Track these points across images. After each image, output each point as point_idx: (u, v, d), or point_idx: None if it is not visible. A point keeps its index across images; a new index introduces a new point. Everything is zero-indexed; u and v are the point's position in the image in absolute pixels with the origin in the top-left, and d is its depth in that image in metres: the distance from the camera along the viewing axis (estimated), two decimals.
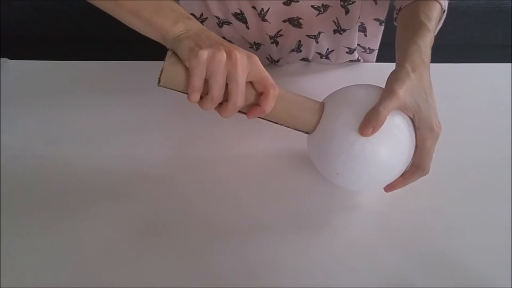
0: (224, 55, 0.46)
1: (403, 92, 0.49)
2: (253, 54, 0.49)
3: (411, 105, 0.50)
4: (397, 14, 0.61)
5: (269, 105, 0.50)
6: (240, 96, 0.48)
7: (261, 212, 0.58)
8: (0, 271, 0.52)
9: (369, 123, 0.48)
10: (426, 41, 0.53)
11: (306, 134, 0.55)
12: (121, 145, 0.65)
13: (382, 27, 0.77)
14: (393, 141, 0.50)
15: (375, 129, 0.48)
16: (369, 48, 0.80)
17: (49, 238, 0.55)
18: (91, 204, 0.58)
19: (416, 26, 0.54)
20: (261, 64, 0.49)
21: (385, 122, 0.49)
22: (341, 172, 0.52)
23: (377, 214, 0.58)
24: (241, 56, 0.47)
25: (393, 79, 0.51)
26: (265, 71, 0.49)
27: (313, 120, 0.52)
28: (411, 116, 0.51)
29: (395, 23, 0.62)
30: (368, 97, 0.50)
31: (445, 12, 0.59)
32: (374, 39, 0.79)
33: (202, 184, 0.61)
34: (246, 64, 0.48)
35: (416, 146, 0.51)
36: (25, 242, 0.55)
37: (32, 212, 0.58)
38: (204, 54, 0.46)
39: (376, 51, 0.82)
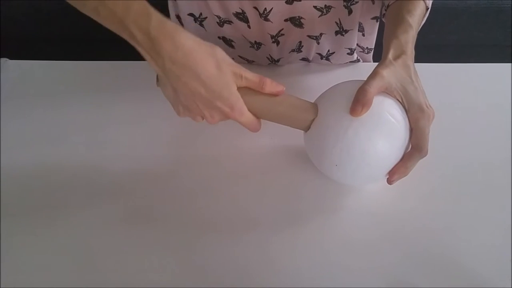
0: (200, 119, 0.53)
1: (386, 73, 0.51)
2: (233, 110, 0.50)
3: (396, 87, 0.51)
4: (385, 11, 0.63)
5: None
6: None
7: (259, 210, 0.58)
8: (0, 271, 0.52)
9: (358, 101, 0.49)
10: (408, 36, 0.55)
11: (304, 132, 0.56)
12: (122, 144, 0.65)
13: (378, 23, 0.77)
14: (385, 126, 0.50)
15: (364, 107, 0.49)
16: (367, 47, 0.81)
17: (49, 238, 0.55)
18: (91, 203, 0.58)
19: (399, 22, 0.57)
20: (241, 117, 0.52)
21: (375, 108, 0.50)
22: (339, 162, 0.52)
23: (377, 214, 0.58)
24: (217, 119, 0.52)
25: (377, 66, 0.53)
26: (245, 122, 0.53)
27: (308, 118, 0.53)
28: (399, 99, 0.52)
29: (383, 20, 0.63)
30: (357, 87, 0.51)
31: (429, 9, 0.60)
32: (370, 37, 0.80)
33: (200, 181, 0.61)
34: (223, 118, 0.53)
35: (411, 129, 0.52)
36: (25, 242, 0.55)
37: (32, 212, 0.58)
38: (184, 115, 0.53)
39: (372, 50, 0.83)
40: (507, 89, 0.72)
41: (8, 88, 0.72)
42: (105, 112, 0.69)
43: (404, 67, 0.53)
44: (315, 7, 0.68)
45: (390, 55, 0.53)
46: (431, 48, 1.31)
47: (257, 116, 0.54)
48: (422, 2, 0.59)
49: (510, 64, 0.76)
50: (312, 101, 0.55)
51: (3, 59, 0.77)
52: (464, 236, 0.56)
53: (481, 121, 0.68)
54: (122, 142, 0.66)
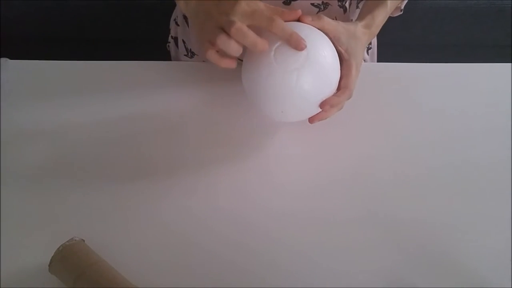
0: (224, 37, 0.53)
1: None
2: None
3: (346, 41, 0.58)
4: None
5: None
6: None
7: (259, 211, 0.58)
8: (0, 270, 0.52)
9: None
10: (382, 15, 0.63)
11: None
12: (122, 144, 0.65)
13: None
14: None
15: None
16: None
17: (49, 238, 0.55)
18: (92, 204, 0.58)
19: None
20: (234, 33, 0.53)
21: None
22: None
23: (377, 214, 0.58)
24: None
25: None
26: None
27: None
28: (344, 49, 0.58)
29: None
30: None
31: None
32: None
33: (202, 183, 0.61)
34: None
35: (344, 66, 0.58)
36: (25, 242, 0.55)
37: (32, 212, 0.58)
38: (209, 48, 0.54)
39: (375, 49, 0.83)
40: (507, 89, 0.72)
41: (8, 88, 0.72)
42: (105, 112, 0.69)
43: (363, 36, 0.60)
44: (312, 4, 0.68)
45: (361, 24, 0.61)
46: (431, 48, 1.31)
47: None
48: None
49: (510, 64, 0.76)
50: None
51: (3, 59, 0.77)
52: (464, 236, 0.56)
53: (481, 121, 0.68)
54: (123, 141, 0.65)
